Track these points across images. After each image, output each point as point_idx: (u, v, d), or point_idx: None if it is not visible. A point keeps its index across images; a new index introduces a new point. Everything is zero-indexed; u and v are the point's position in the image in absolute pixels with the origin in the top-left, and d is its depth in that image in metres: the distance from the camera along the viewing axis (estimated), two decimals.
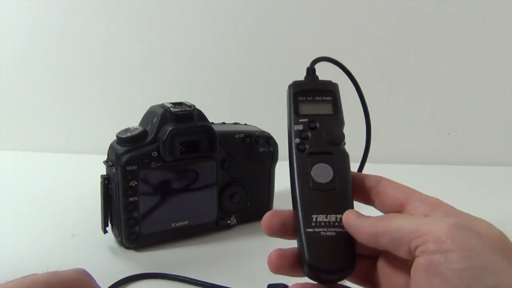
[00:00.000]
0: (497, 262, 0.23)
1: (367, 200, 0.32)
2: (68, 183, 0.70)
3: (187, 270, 0.45)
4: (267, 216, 0.32)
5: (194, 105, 0.50)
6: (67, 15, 0.81)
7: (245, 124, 0.57)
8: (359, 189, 0.32)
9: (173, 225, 0.50)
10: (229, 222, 0.54)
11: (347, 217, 0.29)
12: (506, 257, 0.24)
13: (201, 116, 0.50)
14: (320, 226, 0.30)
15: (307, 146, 0.33)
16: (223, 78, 0.81)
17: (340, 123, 0.34)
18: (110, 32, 0.81)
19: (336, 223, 0.30)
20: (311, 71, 0.36)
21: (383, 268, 0.30)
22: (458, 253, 0.23)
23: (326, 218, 0.30)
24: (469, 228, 0.24)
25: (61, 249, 0.51)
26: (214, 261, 0.49)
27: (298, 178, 0.32)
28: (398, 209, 0.30)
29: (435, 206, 0.29)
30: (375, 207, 0.33)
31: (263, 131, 0.55)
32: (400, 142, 0.81)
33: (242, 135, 0.53)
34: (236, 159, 0.52)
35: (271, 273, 0.43)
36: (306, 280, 0.30)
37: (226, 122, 0.56)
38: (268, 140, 0.54)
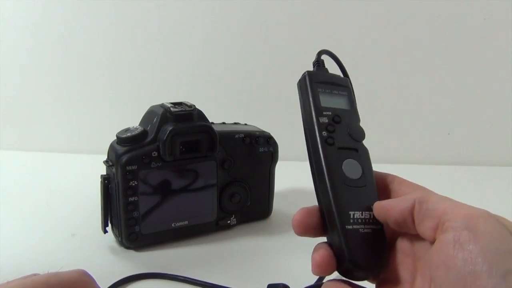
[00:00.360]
0: None
1: (380, 197, 0.32)
2: (68, 183, 0.70)
3: (187, 270, 0.45)
4: (298, 215, 0.31)
5: (194, 105, 0.50)
6: (67, 16, 0.81)
7: (245, 124, 0.57)
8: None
9: (173, 225, 0.50)
10: (229, 222, 0.54)
11: (378, 202, 0.30)
12: None
13: (201, 116, 0.50)
14: (358, 223, 0.30)
15: (335, 140, 0.32)
16: (223, 78, 0.81)
17: (358, 119, 0.34)
18: (110, 32, 0.81)
19: (371, 220, 0.30)
20: (321, 62, 0.36)
21: (391, 262, 0.30)
22: (487, 234, 0.23)
23: (362, 215, 0.30)
24: (496, 217, 0.25)
25: (61, 249, 0.51)
26: (214, 261, 0.49)
27: (329, 173, 0.31)
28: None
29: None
30: None
31: (263, 131, 0.55)
32: (400, 142, 0.81)
33: (242, 135, 0.53)
34: (236, 159, 0.52)
35: (271, 273, 0.43)
36: (336, 276, 0.30)
37: (226, 122, 0.56)
38: (268, 140, 0.54)
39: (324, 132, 0.32)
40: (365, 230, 0.30)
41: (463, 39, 0.75)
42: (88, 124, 0.85)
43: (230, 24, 0.79)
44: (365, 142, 0.33)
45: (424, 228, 0.26)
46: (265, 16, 0.78)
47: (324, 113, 0.33)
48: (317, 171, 0.31)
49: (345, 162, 0.31)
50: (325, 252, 0.29)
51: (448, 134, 0.80)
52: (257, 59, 0.80)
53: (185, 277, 0.44)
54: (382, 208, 0.29)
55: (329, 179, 0.30)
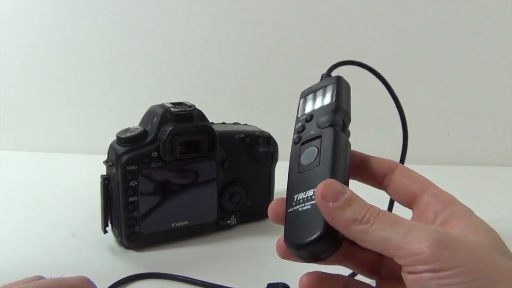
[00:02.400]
0: (489, 271, 0.23)
1: (380, 185, 0.32)
2: (68, 183, 0.70)
3: (187, 270, 0.45)
4: (273, 203, 0.32)
5: (194, 105, 0.50)
6: (67, 16, 0.81)
7: (245, 124, 0.57)
8: (371, 173, 0.32)
9: (173, 225, 0.50)
10: (229, 222, 0.54)
11: (322, 194, 0.26)
12: (499, 261, 0.24)
13: (201, 116, 0.50)
14: (299, 203, 0.29)
15: (301, 138, 0.32)
16: (223, 78, 0.81)
17: (335, 106, 0.32)
18: (110, 32, 0.81)
19: (314, 196, 0.28)
20: (324, 76, 0.36)
21: (390, 261, 0.29)
22: (447, 272, 0.23)
23: (305, 194, 0.29)
24: (455, 241, 0.24)
25: (61, 249, 0.51)
26: (214, 261, 0.49)
27: (289, 169, 0.32)
28: (411, 200, 0.30)
29: (448, 204, 0.28)
30: (387, 193, 0.32)
31: (263, 131, 0.55)
32: (399, 142, 0.81)
33: (242, 135, 0.53)
34: (236, 159, 0.52)
35: (271, 273, 0.43)
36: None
37: (226, 122, 0.56)
38: (268, 140, 0.54)
39: (295, 136, 0.33)
40: (304, 208, 0.28)
41: (463, 39, 0.75)
42: (88, 124, 0.85)
43: (230, 24, 0.79)
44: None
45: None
46: (265, 16, 0.78)
47: (300, 118, 0.34)
48: None
49: (303, 152, 0.31)
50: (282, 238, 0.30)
51: (448, 134, 0.80)
52: (257, 59, 0.80)
53: (185, 277, 0.44)
54: (324, 213, 0.26)
55: (288, 173, 0.31)
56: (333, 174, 0.28)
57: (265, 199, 0.56)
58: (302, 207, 0.28)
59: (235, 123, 0.57)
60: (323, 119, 0.32)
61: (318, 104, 0.34)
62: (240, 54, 0.80)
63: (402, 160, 0.38)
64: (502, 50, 0.75)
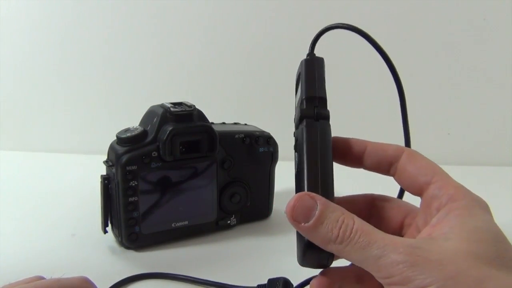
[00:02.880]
0: (462, 285, 0.22)
1: (386, 172, 0.31)
2: (68, 183, 0.70)
3: (187, 270, 0.45)
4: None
5: (194, 105, 0.50)
6: (67, 15, 0.81)
7: (245, 124, 0.57)
8: (376, 162, 0.31)
9: (173, 225, 0.50)
10: (229, 222, 0.54)
11: (292, 217, 0.26)
12: (474, 273, 0.23)
13: (201, 116, 0.50)
14: None
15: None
16: (223, 78, 0.81)
17: (303, 99, 0.31)
18: (110, 32, 0.81)
19: None
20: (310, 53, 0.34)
21: None
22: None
23: None
24: (428, 257, 0.23)
25: (61, 249, 0.51)
26: (214, 261, 0.49)
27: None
28: (418, 191, 0.29)
29: (449, 200, 0.27)
30: (395, 179, 0.31)
31: (263, 131, 0.55)
32: (399, 142, 0.81)
33: (242, 135, 0.53)
34: (236, 159, 0.52)
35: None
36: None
37: (226, 122, 0.56)
38: (268, 140, 0.54)
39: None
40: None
41: (463, 39, 0.75)
42: (88, 124, 0.85)
43: (230, 24, 0.79)
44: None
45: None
46: (265, 16, 0.78)
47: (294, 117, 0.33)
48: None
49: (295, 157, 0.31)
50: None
51: (448, 134, 0.80)
52: (257, 59, 0.80)
53: (186, 276, 0.44)
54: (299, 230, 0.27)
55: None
56: (308, 182, 0.27)
57: (265, 199, 0.56)
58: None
59: (235, 123, 0.57)
60: (295, 118, 0.31)
61: (297, 98, 0.33)
62: (240, 54, 0.80)
63: (407, 143, 0.37)
64: (502, 50, 0.75)
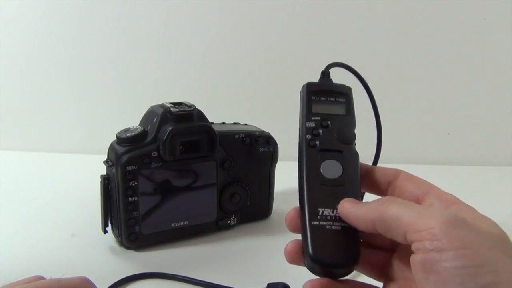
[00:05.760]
0: (495, 259, 0.23)
1: (385, 193, 0.32)
2: (68, 183, 0.70)
3: (187, 270, 0.45)
4: (290, 212, 0.32)
5: (194, 105, 0.50)
6: (67, 15, 0.81)
7: (245, 124, 0.57)
8: (375, 182, 0.33)
9: (173, 225, 0.50)
10: (229, 222, 0.54)
11: (342, 205, 0.29)
12: (506, 255, 0.23)
13: (201, 116, 0.50)
14: (326, 220, 0.30)
15: (317, 143, 0.33)
16: (223, 78, 0.81)
17: (352, 124, 0.34)
18: (111, 32, 0.81)
19: (341, 218, 0.30)
20: (326, 74, 0.36)
21: (399, 261, 0.29)
22: (454, 251, 0.23)
23: (333, 212, 0.30)
24: (465, 224, 0.24)
25: (61, 249, 0.51)
26: (214, 261, 0.49)
27: (307, 173, 0.32)
28: (415, 202, 0.30)
29: (450, 203, 0.29)
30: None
31: (263, 131, 0.55)
32: (400, 142, 0.81)
33: (242, 135, 0.53)
34: (236, 159, 0.52)
35: (271, 273, 0.43)
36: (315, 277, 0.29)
37: (226, 122, 0.56)
38: (268, 140, 0.54)
39: (308, 135, 0.33)
40: (333, 227, 0.29)
41: (463, 39, 0.75)
42: (88, 124, 0.85)
43: (230, 24, 0.79)
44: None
45: (397, 240, 0.26)
46: (265, 16, 0.78)
47: (313, 118, 0.34)
48: (299, 171, 0.32)
49: (324, 162, 0.32)
50: (296, 242, 0.30)
51: (448, 134, 0.80)
52: (257, 59, 0.80)
53: (185, 277, 0.44)
54: (345, 216, 0.29)
55: (306, 179, 0.31)
56: (355, 197, 0.31)
57: (265, 199, 0.56)
58: (331, 225, 0.29)
59: (235, 123, 0.57)
60: (344, 134, 0.33)
61: (332, 110, 0.34)
62: (240, 54, 0.80)
63: (375, 161, 0.40)
64: (502, 50, 0.75)
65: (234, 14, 0.78)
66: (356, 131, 0.34)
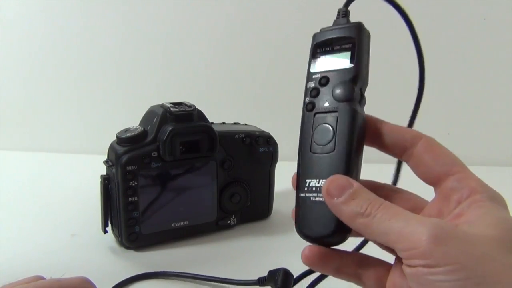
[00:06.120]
0: (481, 271, 0.22)
1: (399, 156, 0.30)
2: (68, 183, 0.70)
3: (187, 270, 0.45)
4: (294, 177, 0.30)
5: (194, 105, 0.50)
6: (67, 15, 0.81)
7: (245, 124, 0.57)
8: (390, 144, 0.30)
9: (173, 225, 0.50)
10: (229, 222, 0.54)
11: (327, 191, 0.27)
12: (504, 257, 0.23)
13: (201, 116, 0.50)
14: (311, 191, 0.28)
15: (315, 105, 0.30)
16: (224, 78, 0.81)
17: (355, 75, 0.29)
18: (111, 32, 0.81)
19: None
20: (341, 13, 0.32)
21: (396, 275, 0.28)
22: (443, 268, 0.23)
23: (318, 183, 0.28)
24: (453, 235, 0.23)
25: (61, 249, 0.51)
26: (214, 261, 0.49)
27: (300, 141, 0.30)
28: (434, 182, 0.28)
29: (471, 193, 0.26)
30: (409, 166, 0.30)
31: (263, 131, 0.55)
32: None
33: (242, 135, 0.53)
34: (236, 159, 0.52)
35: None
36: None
37: (226, 122, 0.56)
38: (268, 140, 0.54)
39: (307, 98, 0.30)
40: (317, 199, 0.28)
41: (463, 39, 0.75)
42: (88, 124, 0.85)
43: (230, 24, 0.79)
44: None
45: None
46: (264, 17, 0.78)
47: (313, 76, 0.30)
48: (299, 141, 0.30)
49: (318, 127, 0.29)
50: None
51: (448, 134, 0.80)
52: (257, 59, 0.80)
53: (186, 273, 0.44)
54: (330, 207, 0.27)
55: (299, 148, 0.30)
56: (345, 167, 0.28)
57: (265, 199, 0.56)
58: (315, 197, 0.28)
59: (235, 123, 0.57)
60: (340, 90, 0.29)
61: (335, 63, 0.30)
62: (240, 54, 0.80)
63: (411, 124, 0.36)
64: (502, 50, 0.75)
65: (234, 14, 0.78)
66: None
